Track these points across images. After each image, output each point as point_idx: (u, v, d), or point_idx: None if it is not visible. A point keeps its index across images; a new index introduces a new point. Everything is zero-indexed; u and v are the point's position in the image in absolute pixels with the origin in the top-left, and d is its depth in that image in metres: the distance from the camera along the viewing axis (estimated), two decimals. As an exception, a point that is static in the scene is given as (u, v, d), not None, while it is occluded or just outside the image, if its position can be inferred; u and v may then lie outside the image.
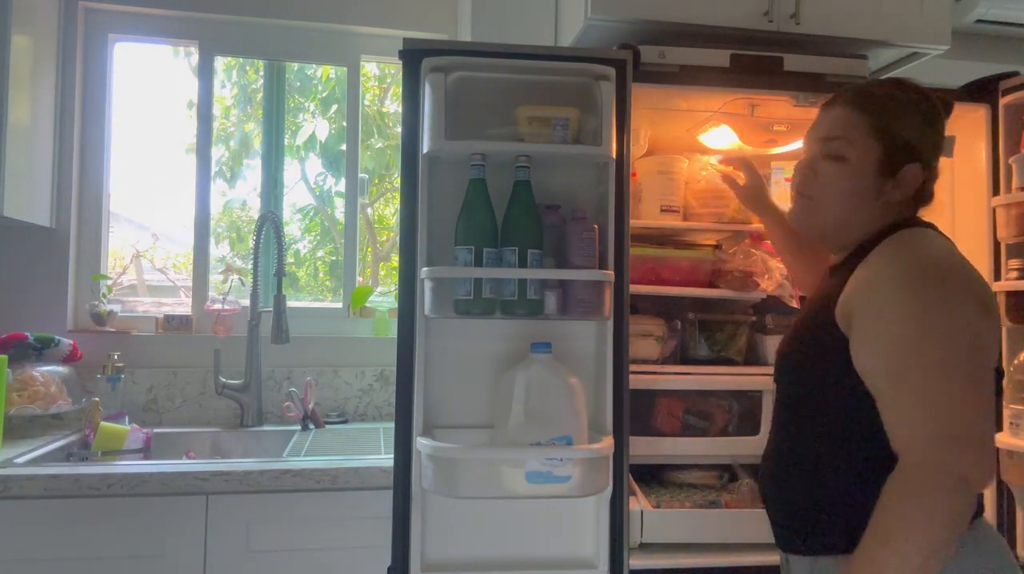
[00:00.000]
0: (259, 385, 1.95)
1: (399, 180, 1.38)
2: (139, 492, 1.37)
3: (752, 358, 1.61)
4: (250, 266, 1.98)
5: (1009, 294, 1.49)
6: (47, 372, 1.78)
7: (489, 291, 1.25)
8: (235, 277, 2.13)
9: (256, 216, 2.12)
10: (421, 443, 1.24)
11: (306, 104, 2.40)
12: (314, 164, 2.41)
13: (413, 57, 1.32)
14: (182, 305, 2.16)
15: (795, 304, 1.56)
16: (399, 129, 1.42)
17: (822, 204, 1.05)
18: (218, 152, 2.26)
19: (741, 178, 1.50)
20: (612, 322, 1.31)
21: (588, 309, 1.29)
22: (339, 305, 2.19)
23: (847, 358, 0.94)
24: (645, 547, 1.36)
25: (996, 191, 1.52)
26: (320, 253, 2.48)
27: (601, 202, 1.36)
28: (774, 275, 1.55)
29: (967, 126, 1.55)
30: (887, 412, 0.89)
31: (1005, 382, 1.43)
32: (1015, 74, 1.52)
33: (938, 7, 1.54)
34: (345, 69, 2.22)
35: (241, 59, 2.27)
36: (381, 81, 2.54)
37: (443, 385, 1.33)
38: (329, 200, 2.39)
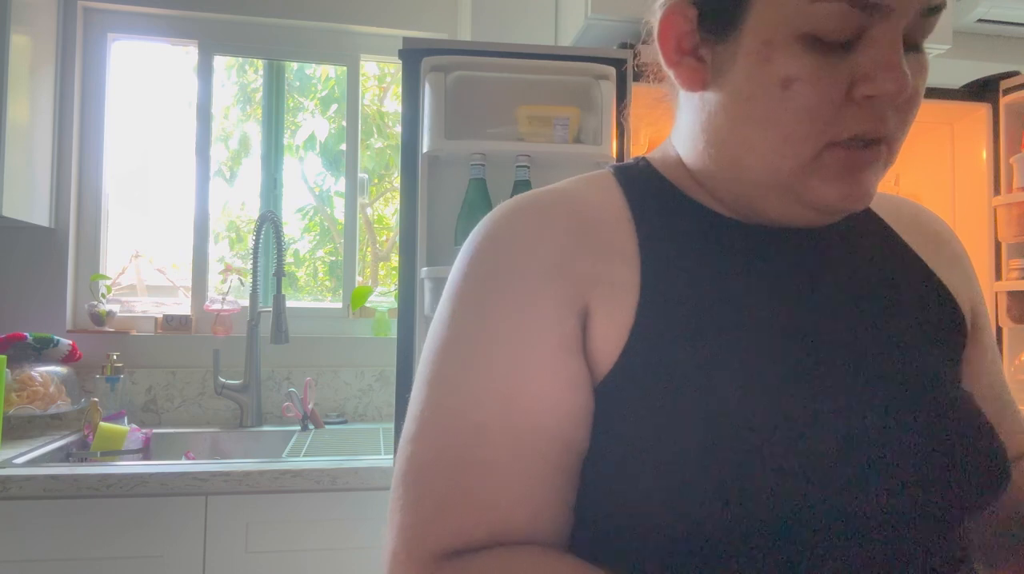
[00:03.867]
0: (258, 385, 1.95)
1: (399, 180, 1.38)
2: (138, 493, 1.37)
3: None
4: (249, 266, 1.98)
5: (1010, 294, 1.49)
6: (46, 372, 1.78)
7: (489, 291, 1.25)
8: (234, 277, 2.13)
9: (255, 216, 2.12)
10: (421, 444, 1.23)
11: (305, 104, 2.40)
12: (313, 164, 2.41)
13: (413, 56, 1.32)
14: (181, 305, 2.15)
15: None
16: (399, 129, 1.41)
17: (902, 140, 0.52)
18: (218, 152, 2.25)
19: None
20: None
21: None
22: (339, 305, 2.19)
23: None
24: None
25: (997, 191, 1.52)
26: (320, 253, 2.48)
27: (601, 202, 1.35)
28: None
29: (968, 125, 1.54)
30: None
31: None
32: (1016, 73, 1.52)
33: (939, 6, 1.54)
34: (345, 69, 2.21)
35: (240, 59, 2.27)
36: (381, 81, 2.54)
37: (443, 385, 1.32)
38: (328, 200, 2.39)
